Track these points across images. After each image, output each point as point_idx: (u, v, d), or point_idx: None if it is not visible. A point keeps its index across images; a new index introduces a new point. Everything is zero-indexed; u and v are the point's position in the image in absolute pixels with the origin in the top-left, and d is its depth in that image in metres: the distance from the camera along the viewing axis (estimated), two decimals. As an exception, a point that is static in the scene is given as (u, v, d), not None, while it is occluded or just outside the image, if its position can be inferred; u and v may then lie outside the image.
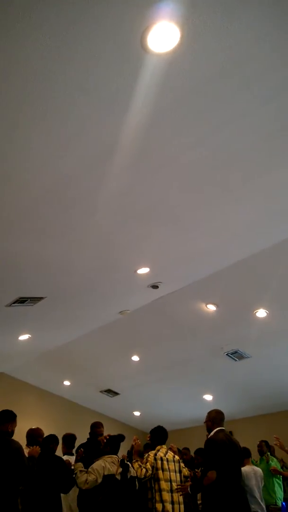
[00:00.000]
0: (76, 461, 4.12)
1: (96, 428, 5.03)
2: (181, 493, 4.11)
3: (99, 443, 4.68)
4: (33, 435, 4.33)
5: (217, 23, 2.12)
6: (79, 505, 4.31)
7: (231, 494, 3.44)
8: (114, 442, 4.26)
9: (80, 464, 4.01)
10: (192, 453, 6.94)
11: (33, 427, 4.45)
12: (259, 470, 5.62)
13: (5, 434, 3.50)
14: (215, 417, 3.89)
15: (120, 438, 4.31)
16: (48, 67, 2.25)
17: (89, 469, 3.88)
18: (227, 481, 3.46)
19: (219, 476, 3.44)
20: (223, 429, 3.81)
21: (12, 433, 3.59)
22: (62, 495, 4.35)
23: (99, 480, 3.81)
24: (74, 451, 4.97)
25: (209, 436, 3.78)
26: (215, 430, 3.79)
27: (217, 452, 3.56)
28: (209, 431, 3.84)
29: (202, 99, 2.62)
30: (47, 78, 2.31)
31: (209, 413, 3.98)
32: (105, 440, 4.39)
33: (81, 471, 3.91)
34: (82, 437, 5.17)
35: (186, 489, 3.87)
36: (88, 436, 5.02)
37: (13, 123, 2.59)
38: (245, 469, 5.46)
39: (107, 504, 3.76)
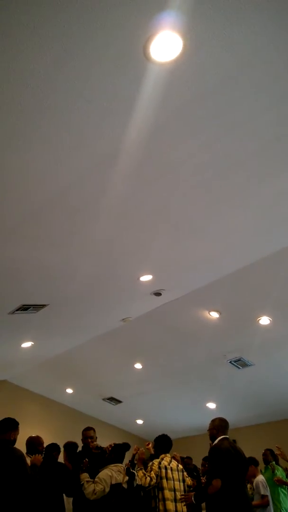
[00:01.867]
0: (82, 471, 4.07)
1: (83, 431, 4.86)
2: (185, 502, 4.05)
3: (87, 446, 4.60)
4: (33, 443, 4.31)
5: (219, 32, 2.14)
6: None
7: (236, 502, 3.39)
8: (118, 451, 4.22)
9: (86, 475, 3.95)
10: (195, 462, 6.89)
11: (33, 435, 4.43)
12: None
13: (8, 442, 3.49)
14: (219, 425, 3.86)
15: (125, 447, 4.26)
16: (49, 76, 2.27)
17: (96, 479, 3.83)
18: (232, 489, 3.42)
19: (224, 485, 3.39)
20: (227, 437, 3.78)
21: (14, 441, 3.58)
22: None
23: (107, 490, 3.76)
24: None
25: (213, 444, 3.74)
26: (219, 438, 3.76)
27: (222, 460, 3.52)
28: (213, 439, 3.81)
29: (204, 108, 2.63)
30: (48, 86, 2.33)
31: (213, 421, 3.95)
32: (109, 448, 4.36)
33: (87, 481, 3.85)
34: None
35: (190, 498, 3.79)
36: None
37: (14, 131, 2.60)
38: (263, 478, 5.47)
39: None
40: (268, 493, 5.35)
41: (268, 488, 5.48)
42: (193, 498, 3.73)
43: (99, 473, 3.91)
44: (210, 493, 3.42)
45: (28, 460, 3.69)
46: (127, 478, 3.95)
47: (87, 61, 2.22)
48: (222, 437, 3.77)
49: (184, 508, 4.19)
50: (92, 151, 2.87)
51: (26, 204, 3.33)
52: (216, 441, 3.75)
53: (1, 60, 2.14)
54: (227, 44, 2.22)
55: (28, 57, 2.14)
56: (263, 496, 5.30)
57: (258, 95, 2.58)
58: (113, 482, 3.82)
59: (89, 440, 4.67)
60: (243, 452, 3.76)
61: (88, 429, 4.85)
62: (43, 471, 3.93)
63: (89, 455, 4.42)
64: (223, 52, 2.26)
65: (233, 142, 2.97)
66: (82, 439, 4.82)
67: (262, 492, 5.33)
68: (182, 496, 4.06)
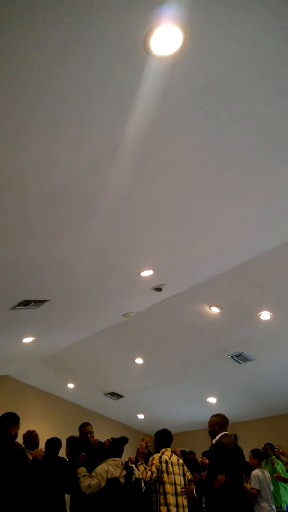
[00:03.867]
0: (79, 465, 4.08)
1: (80, 428, 4.81)
2: (185, 496, 4.10)
3: (87, 441, 4.59)
4: (26, 440, 4.37)
5: (220, 25, 2.13)
6: (72, 509, 4.24)
7: (237, 497, 3.48)
8: (117, 445, 4.23)
9: (83, 469, 3.97)
10: (197, 456, 6.92)
11: (25, 432, 4.47)
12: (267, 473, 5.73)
13: (9, 436, 3.49)
14: (221, 422, 3.94)
15: (123, 440, 4.28)
16: (50, 71, 2.25)
17: (92, 473, 3.86)
18: (233, 484, 3.50)
19: (226, 480, 3.47)
20: (227, 434, 3.86)
21: (15, 435, 3.59)
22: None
23: (103, 484, 3.78)
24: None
25: (216, 440, 3.81)
26: (220, 434, 3.83)
27: (226, 456, 3.59)
28: (214, 434, 3.88)
29: (205, 102, 2.62)
30: (49, 82, 2.32)
31: (215, 416, 4.02)
32: (107, 443, 4.36)
33: (84, 475, 3.88)
34: (86, 440, 5.14)
35: (191, 492, 3.87)
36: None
37: (15, 127, 2.59)
38: (257, 472, 5.57)
39: (112, 507, 3.74)
40: (258, 487, 5.43)
41: (263, 482, 5.54)
42: (195, 492, 3.81)
43: (96, 468, 3.92)
44: (214, 488, 3.48)
45: (30, 456, 3.71)
46: (124, 472, 3.96)
47: (87, 55, 2.21)
48: (223, 433, 3.84)
49: (185, 502, 4.22)
50: (92, 146, 2.86)
51: (26, 199, 3.33)
52: (218, 437, 3.82)
53: (0, 55, 2.12)
54: (228, 37, 2.20)
55: (27, 51, 2.12)
56: (252, 488, 5.49)
57: (259, 89, 2.57)
58: (109, 477, 3.83)
59: (89, 436, 4.66)
60: (241, 449, 3.83)
61: (85, 424, 4.83)
62: (44, 465, 3.94)
63: (88, 450, 4.42)
64: (224, 46, 2.25)
65: (235, 136, 2.96)
66: (79, 435, 4.79)
67: (252, 485, 5.50)
68: (183, 489, 4.11)
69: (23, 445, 3.57)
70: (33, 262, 4.34)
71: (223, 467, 3.54)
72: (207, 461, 4.88)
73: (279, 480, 6.02)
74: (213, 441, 3.85)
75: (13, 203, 3.35)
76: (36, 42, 2.08)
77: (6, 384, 9.02)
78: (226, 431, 3.89)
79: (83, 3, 1.94)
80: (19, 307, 5.33)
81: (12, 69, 2.20)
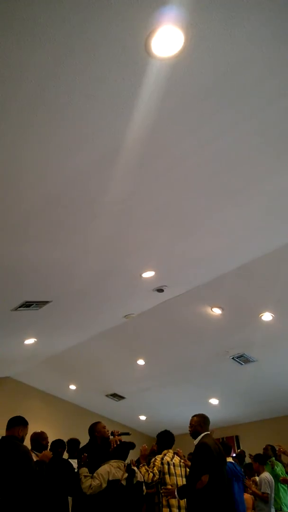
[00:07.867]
0: (80, 466, 4.06)
1: (94, 426, 4.53)
2: (169, 497, 3.95)
3: (106, 438, 4.49)
4: (37, 439, 4.30)
5: (221, 26, 2.13)
6: (74, 511, 4.21)
7: (220, 498, 3.43)
8: (123, 448, 4.20)
9: (84, 469, 3.95)
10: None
11: (37, 431, 4.42)
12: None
13: (14, 438, 3.45)
14: (205, 422, 3.92)
15: (130, 445, 4.24)
16: (50, 72, 2.26)
17: (94, 474, 3.84)
18: (217, 485, 3.46)
19: (210, 480, 3.43)
20: (209, 433, 3.85)
21: (22, 438, 3.51)
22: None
23: (104, 485, 3.76)
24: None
25: (199, 441, 3.78)
26: (203, 434, 3.81)
27: (210, 456, 3.55)
28: (196, 435, 3.85)
29: (206, 103, 2.62)
30: (50, 83, 2.32)
31: (196, 416, 3.98)
32: (117, 442, 4.33)
33: (85, 476, 3.86)
34: (87, 441, 5.12)
35: (172, 493, 3.80)
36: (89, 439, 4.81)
37: (14, 128, 2.60)
38: (266, 475, 5.59)
39: (113, 509, 3.73)
40: (269, 491, 5.46)
41: (272, 486, 5.58)
42: (176, 493, 3.74)
43: (98, 469, 3.91)
44: (198, 488, 3.43)
45: (34, 457, 3.68)
46: (126, 475, 3.94)
47: (88, 56, 2.21)
48: (205, 433, 3.82)
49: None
50: (94, 147, 2.86)
51: (28, 201, 3.33)
52: (200, 437, 3.79)
53: (1, 55, 2.13)
54: (229, 38, 2.20)
55: (28, 52, 2.13)
56: (263, 493, 5.51)
57: (259, 91, 2.57)
58: (111, 478, 3.81)
59: (106, 429, 4.52)
60: (222, 448, 3.85)
61: (99, 422, 4.65)
62: (50, 467, 3.92)
63: (91, 451, 4.37)
64: (225, 47, 2.25)
65: (236, 137, 2.96)
66: (97, 434, 4.47)
67: (262, 490, 5.52)
68: (164, 490, 4.00)
69: (28, 447, 3.53)
70: (35, 264, 4.34)
71: (207, 468, 3.48)
72: (188, 463, 4.89)
73: (284, 483, 6.02)
74: (195, 442, 3.81)
75: (14, 205, 3.35)
76: (36, 42, 2.09)
77: (8, 385, 9.02)
78: (208, 431, 3.86)
79: (84, 4, 1.95)
80: (21, 308, 5.34)
81: (12, 69, 2.21)
